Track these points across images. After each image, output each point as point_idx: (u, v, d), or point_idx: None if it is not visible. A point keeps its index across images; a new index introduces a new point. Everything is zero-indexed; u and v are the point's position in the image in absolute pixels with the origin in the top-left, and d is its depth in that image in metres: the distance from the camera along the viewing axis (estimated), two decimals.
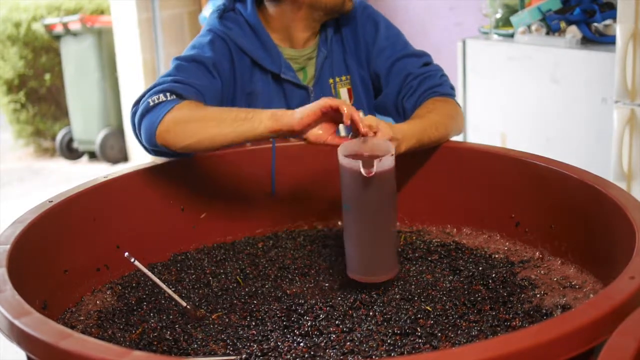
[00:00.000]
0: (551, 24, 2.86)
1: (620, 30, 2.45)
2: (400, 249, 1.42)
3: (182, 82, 1.47)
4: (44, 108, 5.52)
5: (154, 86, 1.45)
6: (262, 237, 1.53)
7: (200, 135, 1.37)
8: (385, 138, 1.29)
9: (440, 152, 1.52)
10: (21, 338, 0.91)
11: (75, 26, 4.87)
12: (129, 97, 4.77)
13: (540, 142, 2.89)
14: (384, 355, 1.04)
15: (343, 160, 1.22)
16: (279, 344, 1.08)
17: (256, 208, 1.57)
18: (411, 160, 1.49)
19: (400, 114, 1.62)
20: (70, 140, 5.25)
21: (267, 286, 1.32)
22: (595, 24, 2.79)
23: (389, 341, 1.07)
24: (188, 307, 1.21)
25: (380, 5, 3.91)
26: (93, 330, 1.18)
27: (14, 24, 5.33)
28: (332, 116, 1.30)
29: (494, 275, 1.28)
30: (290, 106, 1.64)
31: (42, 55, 5.41)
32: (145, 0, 4.56)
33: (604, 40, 2.74)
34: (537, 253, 1.38)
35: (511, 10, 3.13)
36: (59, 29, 4.94)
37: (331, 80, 1.68)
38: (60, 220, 1.30)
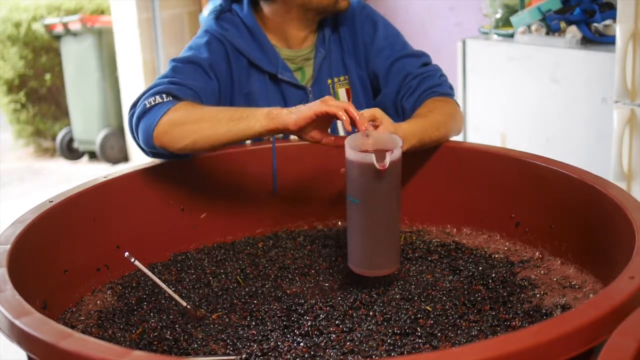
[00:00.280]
0: (551, 24, 2.86)
1: (620, 30, 2.45)
2: (400, 249, 1.42)
3: (178, 83, 1.47)
4: (44, 108, 5.52)
5: (151, 88, 1.46)
6: (262, 237, 1.53)
7: (196, 136, 1.38)
8: (388, 131, 1.30)
9: (440, 152, 1.52)
10: (21, 338, 0.92)
11: (75, 26, 4.87)
12: (129, 97, 4.77)
13: (540, 142, 2.89)
14: (384, 355, 1.04)
15: (353, 154, 1.21)
16: (279, 343, 1.08)
17: (256, 208, 1.57)
18: (411, 160, 1.49)
19: (400, 114, 1.62)
20: (71, 140, 5.25)
21: (267, 286, 1.32)
22: (595, 24, 2.79)
23: (389, 341, 1.07)
24: (188, 307, 1.21)
25: (380, 5, 3.90)
26: (93, 330, 1.18)
27: (14, 24, 5.33)
28: (328, 119, 1.30)
29: (493, 275, 1.28)
30: (288, 107, 1.64)
31: (42, 55, 5.41)
32: (145, 0, 4.56)
33: (604, 40, 2.74)
34: (537, 253, 1.38)
35: (511, 10, 3.13)
36: (59, 29, 4.94)
37: (329, 81, 1.68)
38: (61, 220, 1.30)
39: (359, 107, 1.71)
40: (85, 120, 5.04)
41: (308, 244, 1.48)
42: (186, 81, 1.49)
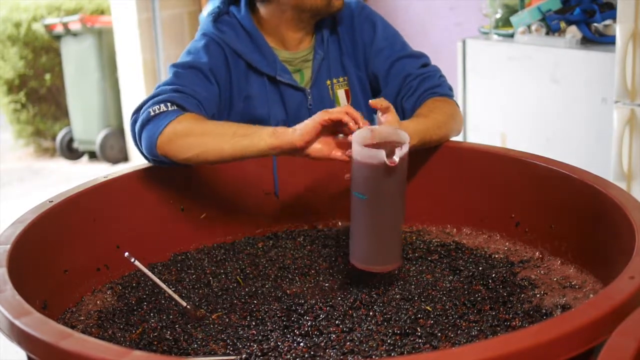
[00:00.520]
0: (551, 24, 2.86)
1: (620, 30, 2.45)
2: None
3: (182, 91, 1.47)
4: (44, 108, 5.52)
5: (154, 96, 1.45)
6: (262, 237, 1.53)
7: (200, 149, 1.37)
8: (394, 125, 1.30)
9: (441, 152, 1.52)
10: (21, 338, 0.92)
11: (75, 26, 4.87)
12: (129, 97, 4.77)
13: (540, 142, 2.89)
14: (384, 355, 1.04)
15: (362, 151, 1.20)
16: (279, 343, 1.08)
17: (256, 208, 1.57)
18: (411, 160, 1.48)
19: (399, 115, 1.62)
20: (71, 140, 5.25)
21: (267, 286, 1.32)
22: (595, 24, 2.78)
23: (389, 341, 1.07)
24: (188, 307, 1.21)
25: (380, 6, 3.91)
26: (93, 330, 1.18)
27: (14, 24, 5.34)
28: (332, 128, 1.30)
29: (493, 275, 1.28)
30: (287, 109, 1.64)
31: (42, 55, 5.41)
32: (145, 1, 4.56)
33: (604, 40, 2.74)
34: (537, 253, 1.38)
35: (511, 11, 3.13)
36: (59, 29, 4.95)
37: (328, 82, 1.68)
38: (61, 220, 1.30)
39: (358, 108, 1.71)
40: (85, 120, 5.04)
41: (308, 244, 1.48)
42: (189, 89, 1.48)
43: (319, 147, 1.31)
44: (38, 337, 0.89)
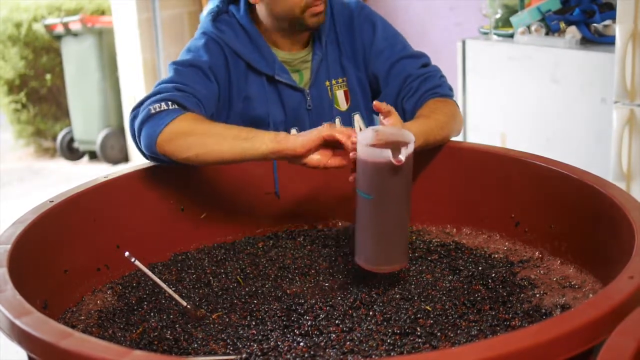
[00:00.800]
0: (551, 25, 2.86)
1: (620, 30, 2.45)
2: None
3: (183, 90, 1.47)
4: (45, 108, 5.52)
5: (155, 93, 1.45)
6: (262, 237, 1.53)
7: (200, 150, 1.38)
8: (397, 126, 1.30)
9: (440, 152, 1.53)
10: (22, 337, 0.92)
11: (75, 26, 4.87)
12: (129, 97, 4.77)
13: (540, 142, 2.89)
14: (384, 354, 1.04)
15: (368, 150, 1.21)
16: (279, 343, 1.08)
17: (256, 208, 1.57)
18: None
19: (400, 115, 1.62)
20: (71, 140, 5.25)
21: (267, 286, 1.32)
22: (595, 25, 2.79)
23: (388, 341, 1.07)
24: (188, 306, 1.21)
25: (380, 6, 3.91)
26: (93, 329, 1.18)
27: (14, 24, 5.34)
28: (333, 144, 1.30)
29: (493, 275, 1.28)
30: (286, 109, 1.64)
31: (42, 55, 5.41)
32: (146, 1, 4.56)
33: (604, 40, 2.74)
34: (537, 253, 1.38)
35: (511, 11, 3.13)
36: (59, 29, 4.95)
37: (327, 83, 1.68)
38: (61, 220, 1.30)
39: (357, 109, 1.72)
40: (85, 120, 5.04)
41: (308, 244, 1.48)
42: (190, 87, 1.48)
43: (317, 157, 1.31)
44: (38, 336, 0.89)
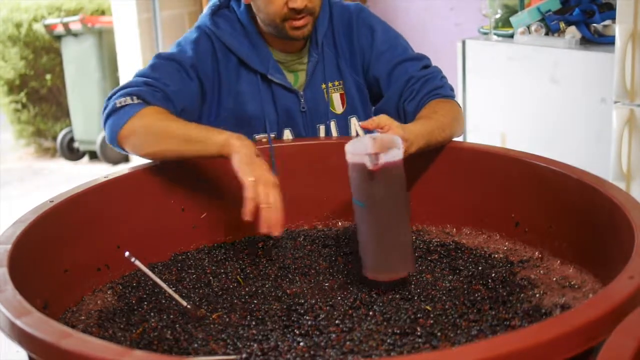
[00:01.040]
0: (550, 25, 2.86)
1: (620, 30, 2.45)
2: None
3: (151, 84, 1.50)
4: (45, 108, 5.52)
5: (125, 87, 1.49)
6: (262, 237, 1.53)
7: (153, 149, 1.44)
8: (397, 135, 1.30)
9: (440, 152, 1.53)
10: (22, 337, 0.92)
11: (76, 26, 4.87)
12: None
13: (540, 142, 2.89)
14: (384, 354, 1.04)
15: (349, 156, 1.22)
16: (279, 343, 1.08)
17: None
18: (411, 161, 1.49)
19: (402, 118, 1.62)
20: (71, 140, 5.25)
21: (267, 286, 1.32)
22: (595, 25, 2.79)
23: (388, 341, 1.07)
24: (188, 306, 1.21)
25: (380, 6, 3.91)
26: (94, 329, 1.18)
27: (14, 24, 5.34)
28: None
29: (493, 275, 1.28)
30: (278, 109, 1.64)
31: (42, 55, 5.41)
32: (146, 1, 4.56)
33: (603, 40, 2.74)
34: (537, 253, 1.38)
35: (511, 11, 3.13)
36: (59, 30, 4.95)
37: (323, 86, 1.68)
38: (61, 220, 1.30)
39: (354, 112, 1.72)
40: (85, 120, 5.04)
41: (308, 244, 1.48)
42: (161, 82, 1.51)
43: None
44: (39, 336, 0.89)
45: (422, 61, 1.65)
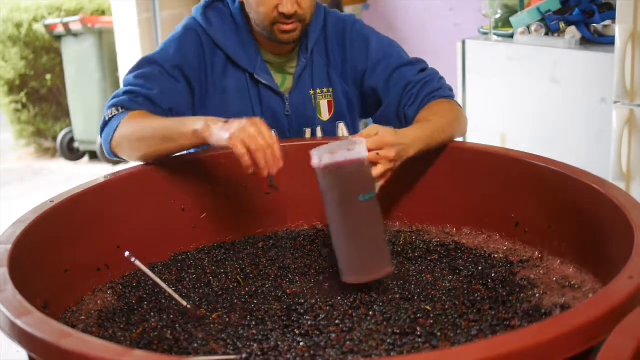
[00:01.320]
0: (550, 25, 2.86)
1: (620, 30, 2.45)
2: (400, 249, 1.43)
3: (133, 92, 1.54)
4: (45, 108, 5.52)
5: (112, 97, 1.54)
6: (262, 237, 1.54)
7: (142, 152, 1.47)
8: (387, 138, 1.30)
9: (441, 152, 1.53)
10: (22, 337, 0.92)
11: (76, 26, 4.87)
12: None
13: (540, 142, 2.89)
14: (384, 354, 1.04)
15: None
16: (279, 343, 1.08)
17: (256, 208, 1.57)
18: (411, 161, 1.49)
19: (403, 123, 1.62)
20: (71, 140, 5.25)
21: (267, 286, 1.32)
22: (595, 25, 2.79)
23: (388, 341, 1.07)
24: (188, 306, 1.21)
25: (380, 6, 3.91)
26: (94, 329, 1.18)
27: (15, 24, 5.34)
28: None
29: (493, 275, 1.28)
30: (264, 110, 1.64)
31: (43, 55, 5.41)
32: (146, 1, 4.56)
33: (603, 40, 2.74)
34: (537, 253, 1.38)
35: (511, 11, 3.13)
36: (59, 30, 4.95)
37: (312, 91, 1.68)
38: (61, 220, 1.30)
39: (341, 120, 1.72)
40: (86, 120, 5.04)
41: (308, 244, 1.48)
42: (144, 87, 1.54)
43: None
44: (39, 336, 0.89)
45: (419, 65, 1.66)
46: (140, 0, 4.54)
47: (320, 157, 1.22)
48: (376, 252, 1.26)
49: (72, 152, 5.29)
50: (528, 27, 2.94)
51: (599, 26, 2.78)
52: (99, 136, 1.56)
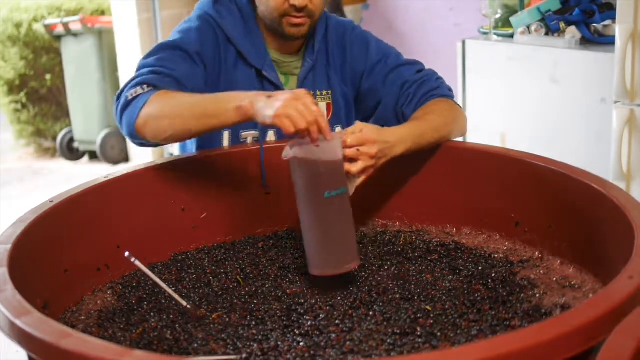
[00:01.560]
0: (550, 25, 2.86)
1: (620, 30, 2.45)
2: (400, 249, 1.43)
3: (159, 72, 1.48)
4: (45, 108, 5.52)
5: (133, 79, 1.47)
6: (262, 237, 1.54)
7: (172, 131, 1.40)
8: (369, 135, 1.32)
9: (440, 152, 1.53)
10: (22, 337, 0.92)
11: (76, 26, 4.87)
12: None
13: (540, 142, 2.89)
14: (384, 354, 1.04)
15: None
16: (279, 343, 1.08)
17: (256, 208, 1.57)
18: (411, 161, 1.49)
19: (401, 122, 1.62)
20: (71, 140, 5.25)
21: (267, 286, 1.32)
22: (595, 25, 2.79)
23: (388, 341, 1.07)
24: (188, 306, 1.21)
25: (380, 6, 3.91)
26: (93, 329, 1.18)
27: (14, 24, 5.33)
28: None
29: (493, 275, 1.28)
30: None
31: (42, 55, 5.41)
32: (146, 1, 4.56)
33: (603, 40, 2.74)
34: (537, 253, 1.38)
35: (511, 11, 3.13)
36: (59, 30, 4.94)
37: (311, 94, 1.68)
38: (61, 220, 1.30)
39: (339, 122, 1.73)
40: (85, 120, 5.04)
41: None
42: (168, 69, 1.49)
43: None
44: (38, 336, 0.89)
45: (416, 66, 1.67)
46: (140, 0, 4.54)
47: (289, 149, 1.23)
48: (342, 247, 1.27)
49: (72, 152, 5.29)
50: (528, 27, 2.94)
51: (599, 26, 2.78)
52: (118, 120, 1.47)
